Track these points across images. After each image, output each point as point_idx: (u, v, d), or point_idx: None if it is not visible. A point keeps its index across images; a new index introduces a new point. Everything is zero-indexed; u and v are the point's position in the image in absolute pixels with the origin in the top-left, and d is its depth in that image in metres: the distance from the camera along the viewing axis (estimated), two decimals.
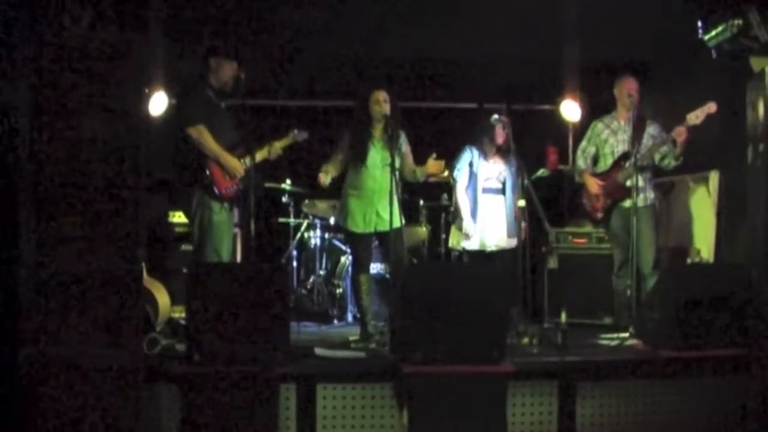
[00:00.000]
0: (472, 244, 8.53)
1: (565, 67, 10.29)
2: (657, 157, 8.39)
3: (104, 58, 5.84)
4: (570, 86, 10.81)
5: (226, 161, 7.54)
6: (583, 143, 8.85)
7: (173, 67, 9.52)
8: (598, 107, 10.25)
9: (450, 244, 8.92)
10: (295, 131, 8.15)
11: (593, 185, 8.62)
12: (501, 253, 8.50)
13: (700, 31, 7.45)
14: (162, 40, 8.93)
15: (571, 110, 10.97)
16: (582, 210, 8.91)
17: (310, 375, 6.42)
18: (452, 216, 8.91)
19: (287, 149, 8.15)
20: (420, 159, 8.14)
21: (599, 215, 8.62)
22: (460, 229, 8.59)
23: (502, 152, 8.56)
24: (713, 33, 7.35)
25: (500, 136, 8.48)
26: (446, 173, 8.89)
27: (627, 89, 8.43)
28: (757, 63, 7.13)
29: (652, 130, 8.44)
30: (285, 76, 11.03)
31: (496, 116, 8.28)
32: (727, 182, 9.13)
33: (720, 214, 9.23)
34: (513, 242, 8.46)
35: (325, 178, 7.87)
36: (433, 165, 7.92)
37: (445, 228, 9.92)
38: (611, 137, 8.56)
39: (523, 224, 8.41)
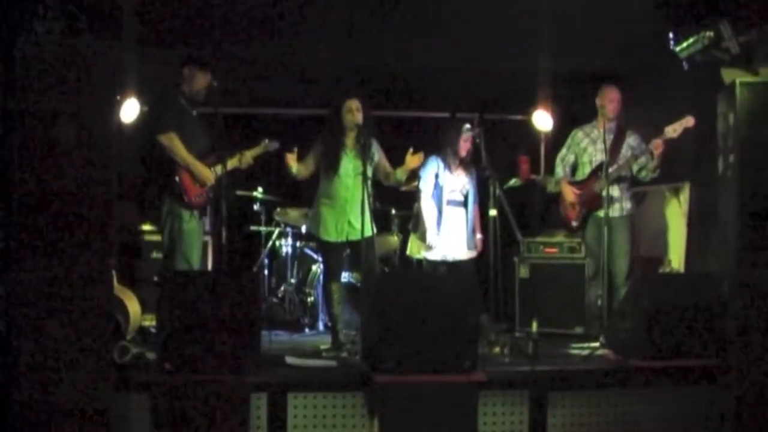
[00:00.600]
0: (434, 254, 8.56)
1: (537, 77, 10.30)
2: (635, 168, 8.44)
3: (76, 65, 5.82)
4: (542, 96, 10.82)
5: (197, 169, 7.53)
6: (563, 151, 8.90)
7: (146, 74, 9.48)
8: (569, 117, 10.33)
9: (409, 252, 8.95)
10: (267, 141, 8.16)
11: (569, 194, 8.67)
12: (461, 264, 8.55)
13: (672, 42, 7.49)
14: (135, 47, 8.89)
15: (543, 120, 11.01)
16: (556, 218, 8.96)
17: (281, 384, 6.40)
18: (413, 224, 8.93)
19: (258, 158, 8.15)
20: (394, 166, 8.15)
21: (574, 224, 8.69)
22: (421, 238, 8.63)
23: (465, 164, 8.61)
24: (684, 44, 7.39)
25: (463, 148, 8.53)
26: (416, 182, 8.92)
27: (608, 98, 8.49)
28: (727, 75, 7.17)
29: (631, 140, 8.51)
30: (257, 84, 11.01)
31: (467, 125, 8.32)
32: (698, 193, 9.19)
33: (691, 225, 9.29)
34: (472, 254, 8.59)
35: (292, 160, 7.83)
36: (412, 159, 7.94)
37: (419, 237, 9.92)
38: (590, 146, 8.61)
39: (479, 236, 8.50)
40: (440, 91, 11.18)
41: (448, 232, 8.55)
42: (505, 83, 10.55)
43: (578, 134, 8.80)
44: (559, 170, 8.89)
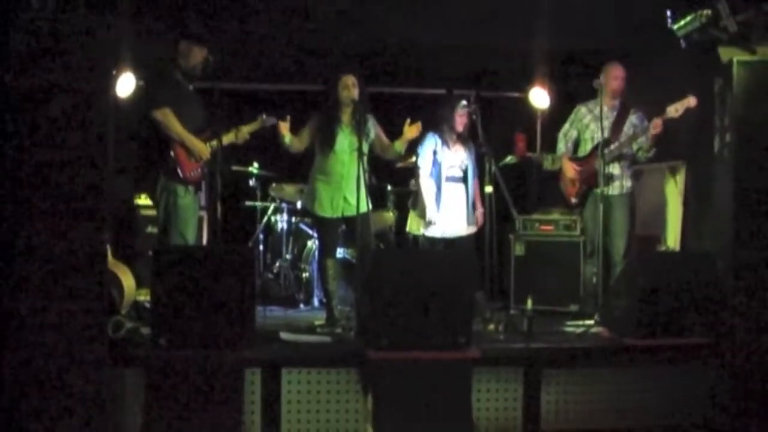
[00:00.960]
0: (434, 231, 8.54)
1: (534, 54, 10.29)
2: (635, 147, 8.43)
3: (71, 39, 5.80)
4: (539, 74, 10.83)
5: (192, 144, 7.53)
6: (566, 126, 8.88)
7: (142, 49, 9.46)
8: (566, 95, 10.32)
9: (408, 229, 8.92)
10: (263, 116, 8.13)
11: (570, 170, 8.66)
12: (460, 240, 8.53)
13: (669, 21, 7.46)
14: (131, 21, 8.87)
15: (539, 98, 11.02)
16: (552, 196, 8.95)
17: (275, 359, 6.43)
18: (412, 201, 8.92)
19: (255, 134, 8.14)
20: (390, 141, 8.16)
21: (574, 200, 8.68)
22: (421, 215, 8.61)
23: (463, 140, 8.58)
24: (682, 23, 7.36)
25: (460, 123, 8.51)
26: (413, 158, 8.91)
27: (612, 76, 8.47)
28: (725, 53, 7.16)
29: (634, 119, 8.49)
30: (254, 60, 10.99)
31: (464, 102, 8.30)
32: (695, 172, 9.19)
33: (687, 204, 9.30)
34: (472, 229, 8.56)
35: (285, 129, 7.83)
36: (410, 129, 7.94)
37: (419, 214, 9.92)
38: (593, 123, 8.56)
39: (480, 210, 8.48)
40: (437, 68, 11.15)
41: (447, 209, 8.53)
42: (502, 60, 10.54)
43: (581, 110, 8.77)
44: (561, 146, 8.87)
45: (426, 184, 8.57)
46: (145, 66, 9.38)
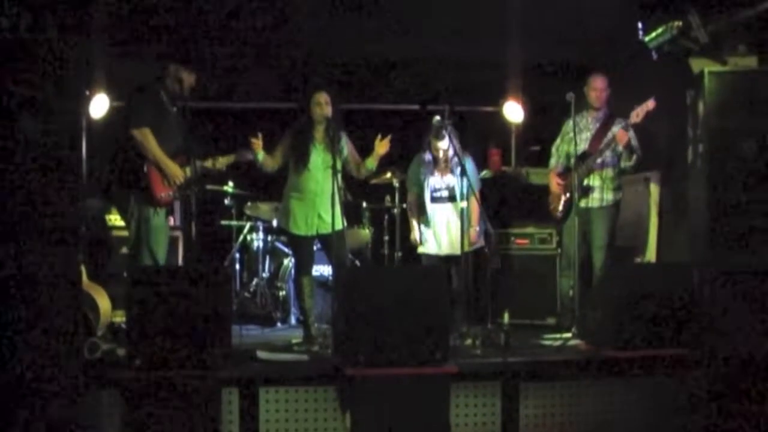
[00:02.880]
0: (428, 249, 8.57)
1: (508, 68, 10.34)
2: (618, 157, 8.44)
3: (43, 60, 5.81)
4: (513, 87, 10.86)
5: (167, 167, 7.50)
6: (557, 141, 8.88)
7: (117, 70, 9.47)
8: (540, 109, 10.36)
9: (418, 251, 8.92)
10: (242, 151, 8.13)
11: (554, 184, 8.69)
12: (457, 257, 8.49)
13: (641, 32, 7.53)
14: (105, 41, 8.87)
15: (513, 111, 11.04)
16: (527, 210, 8.99)
17: (252, 378, 6.42)
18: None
19: (230, 167, 8.16)
20: (363, 159, 8.17)
21: (560, 214, 8.68)
22: (422, 237, 8.64)
23: (448, 164, 8.55)
24: (653, 34, 7.43)
25: (433, 151, 8.48)
26: (389, 174, 8.92)
27: (592, 87, 8.50)
28: (696, 64, 7.23)
29: (616, 129, 8.48)
30: (225, 78, 10.99)
31: (437, 118, 8.29)
32: (670, 183, 9.23)
33: (662, 215, 9.34)
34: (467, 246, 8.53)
35: (258, 146, 7.85)
36: (380, 145, 7.94)
37: (388, 230, 9.93)
38: (577, 135, 8.58)
39: (474, 228, 8.45)
40: (410, 83, 11.19)
41: (435, 229, 8.55)
42: (475, 74, 10.56)
43: (569, 123, 8.77)
44: (553, 160, 8.87)
45: (412, 206, 8.62)
46: (119, 87, 9.35)
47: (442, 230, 8.54)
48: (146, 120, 7.41)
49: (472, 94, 11.43)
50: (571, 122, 8.63)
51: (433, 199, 8.56)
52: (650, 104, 7.95)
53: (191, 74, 7.67)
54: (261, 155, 7.87)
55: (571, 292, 8.24)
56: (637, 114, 7.99)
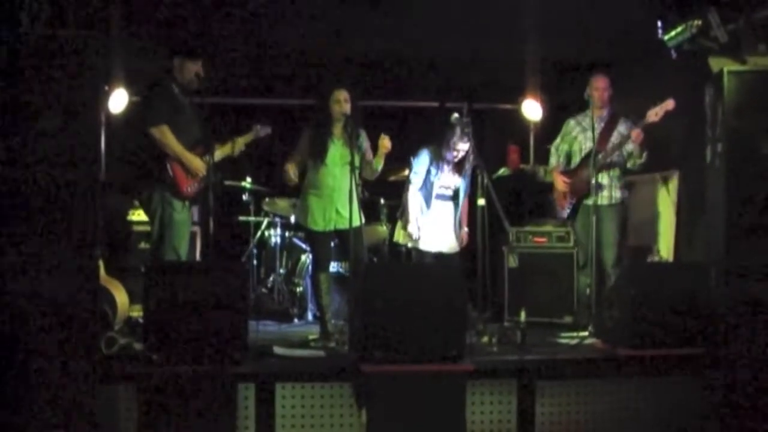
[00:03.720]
0: (422, 245, 8.59)
1: (526, 66, 10.32)
2: (626, 155, 8.44)
3: (62, 55, 5.82)
4: (531, 85, 10.85)
5: (189, 161, 7.53)
6: (557, 140, 8.91)
7: (135, 65, 9.49)
8: (559, 106, 10.34)
9: (395, 238, 8.90)
10: (258, 126, 8.17)
11: (560, 183, 8.70)
12: (447, 256, 8.57)
13: (660, 31, 7.50)
14: (123, 36, 8.90)
15: (532, 109, 11.03)
16: (545, 208, 8.98)
17: (268, 374, 6.43)
18: (400, 212, 8.85)
19: (250, 145, 8.18)
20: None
21: (565, 213, 8.70)
22: (405, 227, 8.62)
23: (458, 166, 8.56)
24: (673, 33, 7.39)
25: (454, 150, 8.47)
26: (406, 171, 8.92)
27: (595, 87, 8.50)
28: (716, 63, 7.18)
29: (622, 128, 8.47)
30: (245, 74, 11.02)
31: (456, 115, 8.29)
32: (687, 182, 9.21)
33: (680, 214, 9.32)
34: (457, 248, 8.58)
35: (292, 169, 7.87)
36: (382, 144, 7.86)
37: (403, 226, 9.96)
38: (581, 134, 8.62)
39: (464, 230, 8.55)
40: (429, 81, 11.20)
41: (434, 225, 8.57)
42: (494, 72, 10.57)
43: (570, 123, 8.80)
44: (553, 160, 8.90)
45: (413, 199, 8.60)
46: (138, 82, 9.38)
47: (439, 227, 8.58)
48: (162, 117, 7.43)
49: (491, 91, 11.46)
50: (572, 122, 8.73)
51: (437, 196, 8.58)
52: (669, 104, 7.95)
53: (195, 64, 7.69)
54: (293, 174, 7.89)
55: (588, 291, 8.24)
56: (656, 113, 7.99)
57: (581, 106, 8.68)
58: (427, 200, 8.55)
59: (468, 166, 8.46)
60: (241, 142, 8.02)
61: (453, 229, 8.56)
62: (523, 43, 9.40)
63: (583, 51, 9.73)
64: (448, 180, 8.56)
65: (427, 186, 8.56)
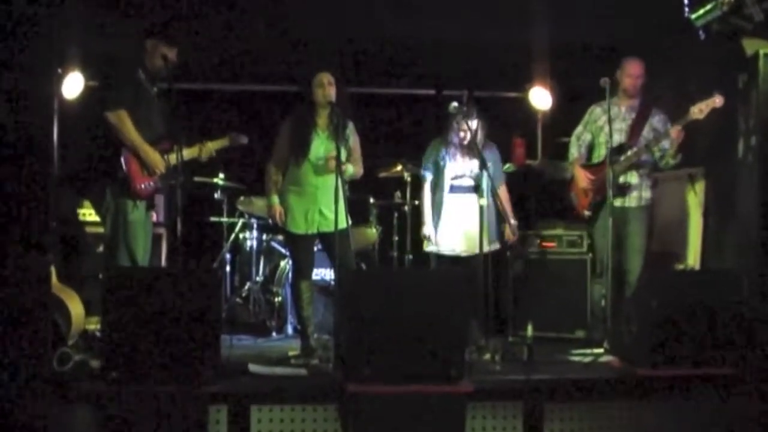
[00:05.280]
0: (442, 248, 8.53)
1: (534, 50, 10.30)
2: (657, 153, 8.38)
3: (9, 32, 5.78)
4: (539, 71, 10.83)
5: (146, 155, 7.47)
6: (579, 128, 8.82)
7: (93, 45, 9.44)
8: (570, 95, 10.31)
9: (425, 248, 8.87)
10: (233, 134, 8.12)
11: (582, 178, 8.60)
12: (475, 259, 8.42)
13: (686, 9, 7.47)
14: (80, 14, 8.85)
15: (540, 98, 11.03)
16: (554, 208, 8.94)
17: (243, 395, 6.38)
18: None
19: (222, 152, 8.12)
20: (370, 152, 8.12)
21: (587, 213, 8.61)
22: (432, 231, 8.58)
23: (470, 148, 8.49)
24: (701, 12, 7.37)
25: (461, 131, 8.43)
26: (399, 167, 8.88)
27: (627, 73, 8.43)
28: (750, 45, 7.16)
29: (656, 121, 8.40)
30: (216, 57, 10.96)
31: (455, 104, 8.24)
32: (716, 180, 9.17)
33: (708, 216, 9.28)
34: (495, 246, 8.49)
35: (276, 175, 7.91)
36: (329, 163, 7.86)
37: (397, 229, 9.93)
38: (608, 125, 8.46)
39: (512, 223, 8.44)
40: (425, 66, 11.15)
41: (452, 223, 8.52)
42: (497, 56, 10.51)
43: (596, 111, 8.68)
44: (573, 150, 8.81)
45: (425, 196, 8.60)
46: (96, 65, 9.34)
47: (458, 226, 8.51)
48: (122, 102, 7.37)
49: (494, 78, 11.41)
50: (598, 109, 8.62)
51: (453, 189, 8.53)
52: (717, 101, 7.81)
53: (172, 49, 7.64)
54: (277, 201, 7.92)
55: (603, 302, 8.19)
56: (700, 110, 7.89)
57: (595, 93, 8.61)
58: (441, 195, 8.52)
59: (481, 146, 8.34)
60: (211, 147, 7.96)
61: (475, 227, 8.41)
62: (530, 23, 9.38)
63: (598, 32, 9.69)
64: (461, 167, 8.50)
65: (439, 180, 8.54)
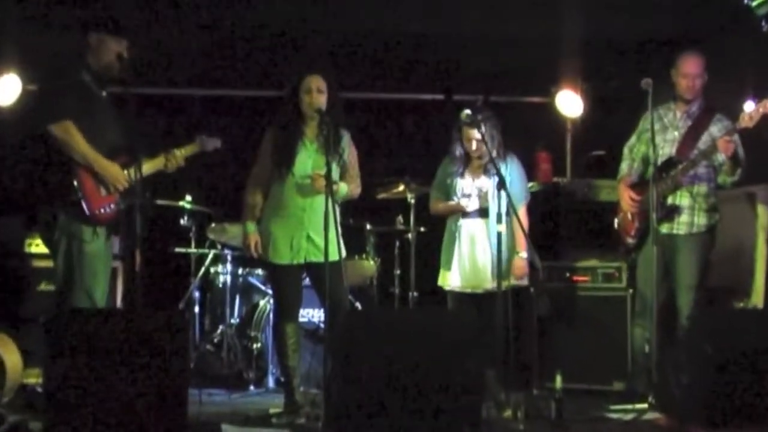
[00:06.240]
0: (455, 284, 8.49)
1: (561, 45, 10.30)
2: (718, 168, 8.30)
3: None
4: (568, 71, 10.84)
5: (104, 170, 7.40)
6: (632, 139, 8.75)
7: (32, 44, 9.44)
8: (605, 99, 10.30)
9: (439, 282, 8.79)
10: (203, 137, 8.06)
11: (626, 200, 8.52)
12: (489, 298, 8.28)
13: None
14: (15, 9, 8.86)
15: (569, 103, 11.03)
16: (592, 234, 8.89)
17: None
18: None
19: (191, 160, 8.06)
20: (368, 169, 8.07)
21: (632, 241, 8.54)
22: (446, 264, 8.52)
23: (482, 163, 8.45)
24: None
25: (466, 141, 8.39)
26: (401, 187, 8.85)
27: (681, 72, 8.35)
28: None
29: (716, 129, 8.31)
30: (188, 57, 10.96)
31: (467, 112, 8.20)
32: None
33: None
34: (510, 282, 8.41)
35: (255, 198, 7.87)
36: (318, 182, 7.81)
37: (400, 261, 9.88)
38: (659, 135, 8.32)
39: (522, 256, 8.36)
40: (433, 66, 11.16)
41: (466, 254, 8.49)
42: (518, 55, 10.54)
43: (650, 118, 8.61)
44: (624, 165, 8.74)
45: (443, 204, 8.63)
46: (36, 66, 9.33)
47: (464, 257, 8.48)
48: (66, 111, 7.29)
49: (514, 80, 11.41)
50: (653, 116, 8.51)
51: (462, 214, 8.49)
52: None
53: (120, 43, 7.57)
54: (255, 232, 7.91)
55: (647, 348, 8.14)
56: (750, 117, 7.86)
57: (636, 98, 8.56)
58: (455, 221, 8.52)
59: (495, 160, 8.27)
60: (179, 156, 7.88)
61: (487, 255, 8.35)
62: (558, 13, 9.38)
63: (638, 26, 9.69)
64: (469, 185, 8.45)
65: (448, 200, 8.50)
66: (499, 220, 7.85)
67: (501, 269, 7.83)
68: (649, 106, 8.06)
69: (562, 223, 10.56)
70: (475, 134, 8.25)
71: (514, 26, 9.66)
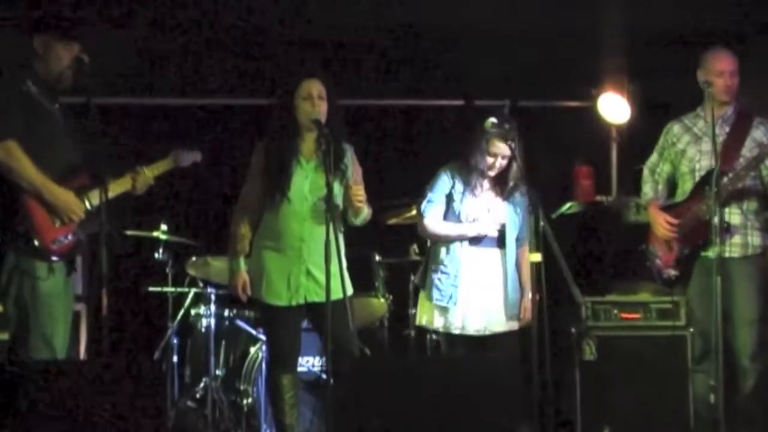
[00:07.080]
0: (450, 325, 8.40)
1: (604, 42, 10.30)
2: (766, 177, 8.27)
3: None
4: (612, 72, 10.82)
5: (54, 197, 7.32)
6: (653, 157, 8.71)
7: None
8: (656, 104, 10.27)
9: (418, 322, 8.79)
10: (179, 151, 8.01)
11: (662, 225, 8.46)
12: (498, 340, 8.37)
13: None
14: None
15: (613, 108, 11.01)
16: (640, 265, 8.83)
17: None
18: (420, 277, 8.76)
19: (164, 178, 8.01)
20: (375, 189, 8.00)
21: (672, 273, 8.48)
22: (430, 298, 8.44)
23: (500, 183, 8.40)
24: None
25: (490, 156, 8.32)
26: (414, 211, 8.80)
27: (715, 71, 8.29)
28: None
29: (760, 134, 8.28)
30: (159, 60, 10.95)
31: (493, 120, 8.16)
32: None
33: None
34: (513, 325, 8.36)
35: (243, 229, 7.82)
36: (356, 192, 7.76)
37: (414, 298, 9.83)
38: (691, 147, 8.34)
39: (527, 297, 8.31)
40: (452, 67, 11.14)
41: (471, 290, 8.41)
42: (551, 53, 10.51)
43: (674, 129, 8.56)
44: (647, 188, 8.71)
45: (438, 226, 8.49)
46: None
47: (474, 293, 8.40)
48: (8, 129, 7.24)
49: (548, 82, 11.37)
50: (676, 127, 8.52)
51: (470, 240, 8.42)
52: None
53: (70, 47, 7.52)
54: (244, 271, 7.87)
55: (712, 398, 8.07)
56: None
57: (693, 101, 8.53)
58: (450, 247, 8.42)
59: (514, 185, 8.24)
60: (149, 175, 7.82)
61: (504, 294, 8.33)
62: (600, 7, 9.37)
63: (692, 20, 9.67)
64: (482, 206, 8.38)
65: (449, 219, 8.42)
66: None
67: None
68: (708, 109, 8.03)
69: (606, 250, 10.53)
70: (504, 149, 8.19)
71: (548, 18, 9.64)
